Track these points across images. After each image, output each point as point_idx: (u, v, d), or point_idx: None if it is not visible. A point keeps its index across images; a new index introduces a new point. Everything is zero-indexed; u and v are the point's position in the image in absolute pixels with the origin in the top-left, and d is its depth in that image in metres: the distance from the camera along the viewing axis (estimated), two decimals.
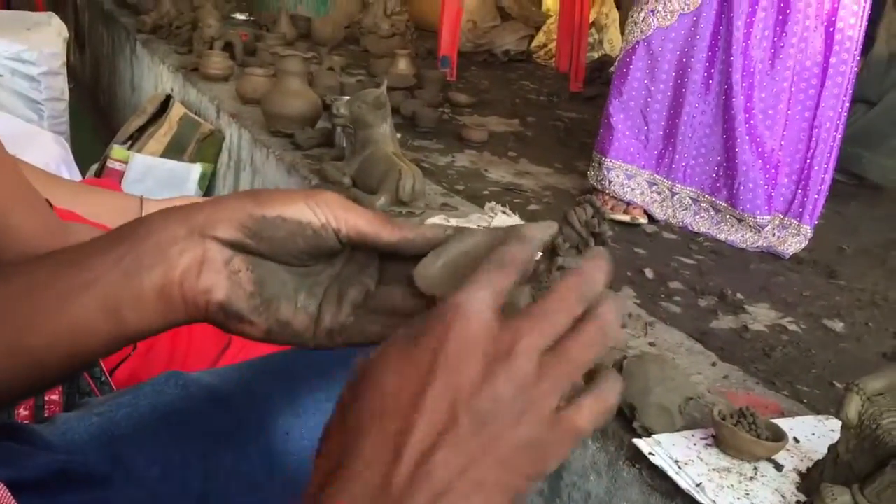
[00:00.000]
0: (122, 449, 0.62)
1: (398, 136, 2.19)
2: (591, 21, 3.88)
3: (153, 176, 2.69)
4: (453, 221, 1.89)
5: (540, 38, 4.19)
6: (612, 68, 2.38)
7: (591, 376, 0.43)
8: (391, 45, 3.69)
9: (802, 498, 1.09)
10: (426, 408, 0.38)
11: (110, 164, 2.73)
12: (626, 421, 1.21)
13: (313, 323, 0.51)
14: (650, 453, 1.14)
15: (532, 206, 2.26)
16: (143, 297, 0.47)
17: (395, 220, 0.52)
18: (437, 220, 1.90)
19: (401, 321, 0.51)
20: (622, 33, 2.96)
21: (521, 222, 1.85)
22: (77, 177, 2.17)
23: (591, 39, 3.92)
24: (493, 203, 1.95)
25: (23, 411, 0.76)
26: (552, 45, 4.05)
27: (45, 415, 0.76)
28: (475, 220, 1.90)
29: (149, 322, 0.48)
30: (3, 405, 0.58)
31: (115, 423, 0.63)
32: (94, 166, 2.77)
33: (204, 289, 0.48)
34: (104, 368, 0.86)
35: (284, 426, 0.67)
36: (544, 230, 0.48)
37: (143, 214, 1.11)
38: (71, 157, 2.24)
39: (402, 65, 3.25)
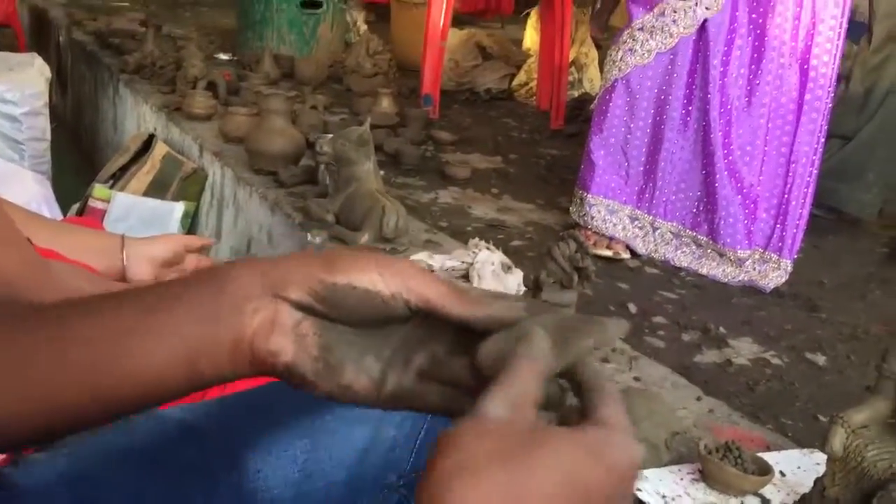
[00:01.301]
0: (90, 488, 0.60)
1: (381, 173, 2.20)
2: (570, 60, 3.94)
3: (135, 215, 2.68)
4: (437, 258, 1.90)
5: (521, 76, 4.24)
6: (592, 106, 2.41)
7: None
8: (374, 83, 3.72)
9: None
10: None
11: (92, 203, 2.72)
12: None
13: (376, 387, 0.51)
14: (637, 489, 1.14)
15: (515, 242, 2.27)
16: (218, 348, 0.48)
17: (467, 295, 0.50)
18: (421, 256, 1.90)
19: (464, 396, 0.51)
20: (601, 72, 3.00)
21: (510, 264, 1.85)
22: (58, 216, 2.16)
23: (570, 78, 3.97)
24: (477, 239, 1.95)
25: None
26: (533, 84, 4.10)
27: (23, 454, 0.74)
28: (459, 256, 1.90)
29: (221, 372, 0.49)
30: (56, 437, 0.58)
31: (84, 460, 0.62)
32: (76, 206, 2.76)
33: (272, 351, 0.49)
34: None
35: (256, 464, 0.66)
36: (618, 327, 0.48)
37: (124, 253, 1.11)
38: (52, 196, 2.23)
39: (385, 103, 3.27)
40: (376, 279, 0.49)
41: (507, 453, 0.39)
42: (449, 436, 0.40)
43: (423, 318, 0.51)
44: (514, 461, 0.39)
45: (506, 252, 1.92)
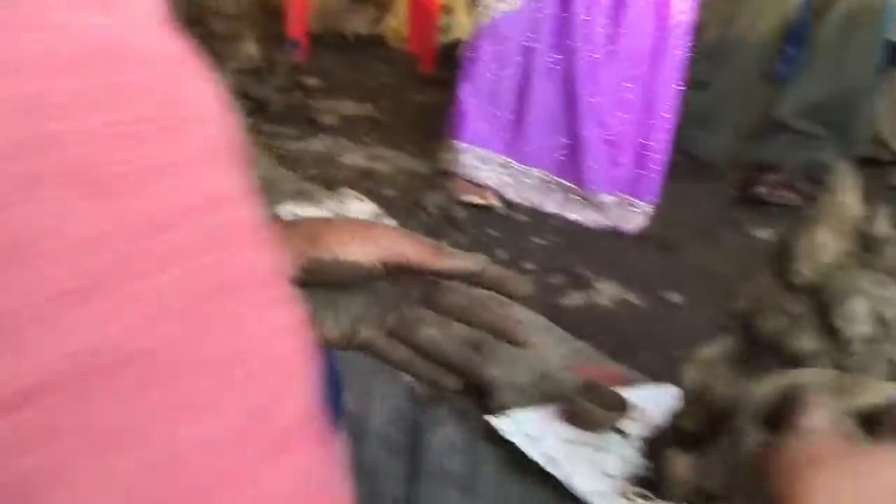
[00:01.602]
0: None
1: (248, 121, 2.13)
2: (440, 3, 3.90)
3: None
4: (307, 209, 1.86)
5: (390, 20, 4.17)
6: (461, 51, 2.40)
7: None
8: (237, 26, 3.57)
9: (648, 463, 1.15)
10: None
11: None
12: (482, 398, 1.24)
13: (347, 339, 0.58)
14: (504, 430, 1.17)
15: (386, 191, 2.26)
16: None
17: (441, 250, 0.58)
18: (290, 207, 1.86)
19: (425, 362, 0.60)
20: (471, 17, 2.99)
21: (382, 213, 1.84)
22: None
23: (441, 23, 3.94)
24: (345, 188, 1.93)
25: None
26: (402, 28, 4.05)
27: None
28: (329, 206, 1.88)
29: None
30: None
31: None
32: None
33: None
34: None
35: None
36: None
37: None
38: None
39: (250, 47, 3.15)
40: (355, 250, 0.55)
41: (851, 456, 0.46)
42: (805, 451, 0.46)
43: (396, 278, 0.58)
44: (859, 463, 0.46)
45: (377, 201, 1.91)
